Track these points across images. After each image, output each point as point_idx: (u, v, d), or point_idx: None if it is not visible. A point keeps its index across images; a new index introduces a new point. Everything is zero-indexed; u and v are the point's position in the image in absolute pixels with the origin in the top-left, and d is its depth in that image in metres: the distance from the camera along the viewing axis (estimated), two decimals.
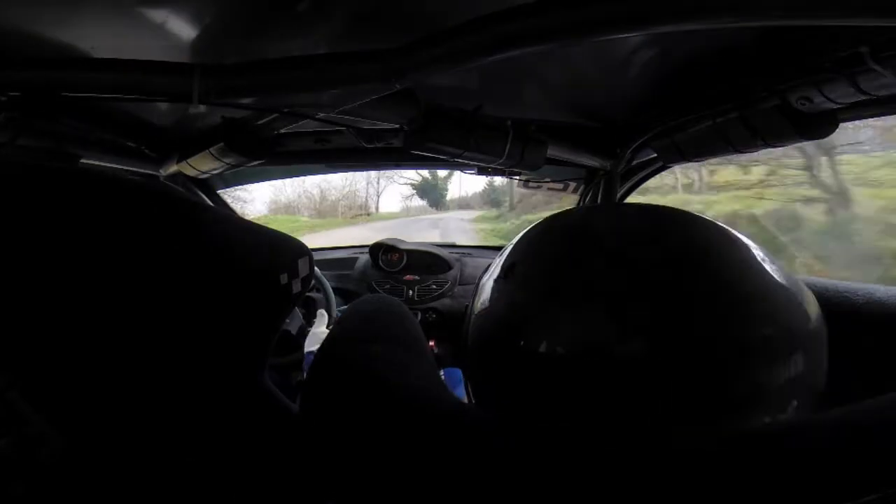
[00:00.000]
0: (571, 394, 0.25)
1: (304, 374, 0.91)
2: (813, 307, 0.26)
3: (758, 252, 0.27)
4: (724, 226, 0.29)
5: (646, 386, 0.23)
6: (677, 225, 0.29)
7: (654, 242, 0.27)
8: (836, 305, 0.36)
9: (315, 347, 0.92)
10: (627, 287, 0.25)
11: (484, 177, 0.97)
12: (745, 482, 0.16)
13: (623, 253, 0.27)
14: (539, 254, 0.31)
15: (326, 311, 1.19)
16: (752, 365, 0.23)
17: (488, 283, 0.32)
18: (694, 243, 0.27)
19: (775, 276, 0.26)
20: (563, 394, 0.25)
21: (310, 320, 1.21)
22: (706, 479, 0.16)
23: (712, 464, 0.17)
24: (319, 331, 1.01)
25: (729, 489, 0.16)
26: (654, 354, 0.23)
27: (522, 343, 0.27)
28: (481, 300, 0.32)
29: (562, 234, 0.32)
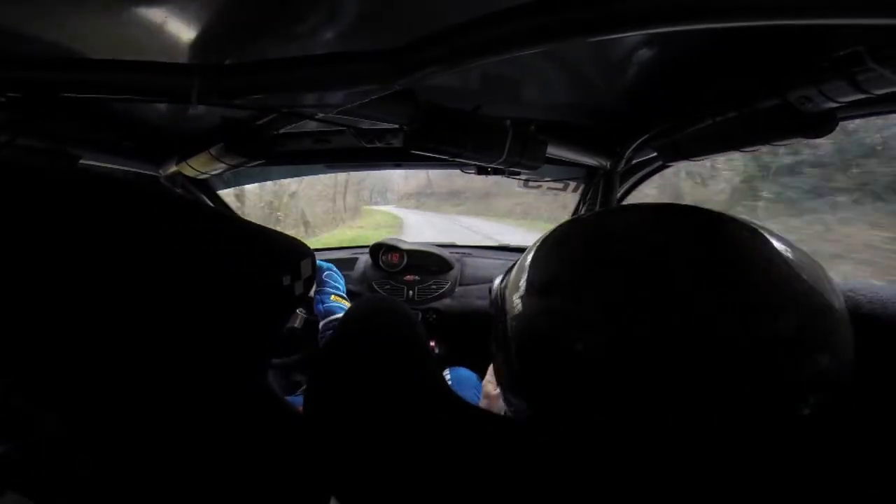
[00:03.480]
0: (609, 392, 0.26)
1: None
2: (837, 302, 0.27)
3: (789, 254, 0.28)
4: (757, 227, 0.29)
5: (675, 384, 0.25)
6: (703, 229, 0.29)
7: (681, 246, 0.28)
8: None
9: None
10: (656, 293, 0.26)
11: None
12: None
13: (659, 260, 0.28)
14: (574, 265, 0.31)
15: None
16: (772, 363, 0.24)
17: (521, 292, 0.32)
18: (724, 247, 0.28)
19: (806, 282, 0.26)
20: (602, 392, 0.26)
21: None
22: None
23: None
24: None
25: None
26: (681, 355, 0.24)
27: (568, 347, 0.27)
28: (516, 307, 0.32)
29: (588, 242, 0.33)
